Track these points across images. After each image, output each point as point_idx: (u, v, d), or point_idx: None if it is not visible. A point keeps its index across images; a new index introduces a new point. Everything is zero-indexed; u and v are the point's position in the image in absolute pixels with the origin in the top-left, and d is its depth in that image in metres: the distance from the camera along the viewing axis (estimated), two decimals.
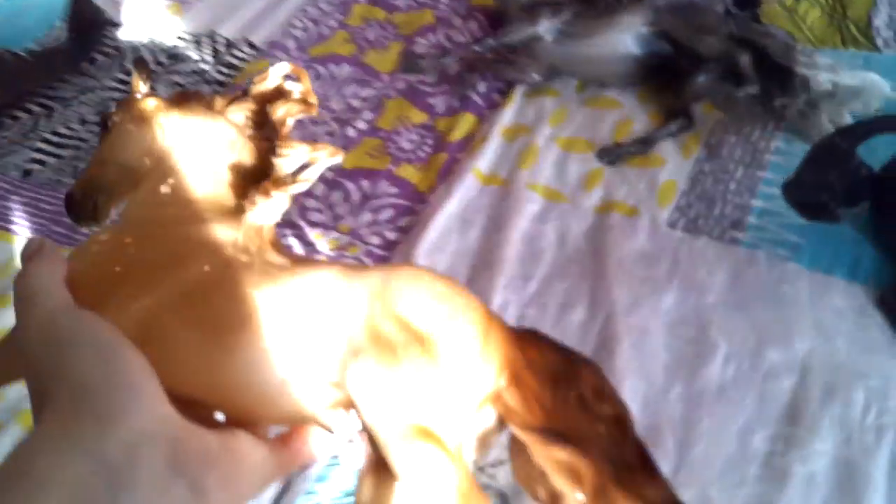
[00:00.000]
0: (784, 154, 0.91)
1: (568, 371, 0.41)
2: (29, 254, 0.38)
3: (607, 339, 0.76)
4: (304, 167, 0.48)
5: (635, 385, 0.72)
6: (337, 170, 1.03)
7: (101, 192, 0.47)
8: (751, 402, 0.71)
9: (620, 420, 0.40)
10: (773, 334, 0.75)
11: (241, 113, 0.49)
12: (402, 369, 0.38)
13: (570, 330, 0.78)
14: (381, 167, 1.02)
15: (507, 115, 1.05)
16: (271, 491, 0.71)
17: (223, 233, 0.43)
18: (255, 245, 0.43)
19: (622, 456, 0.39)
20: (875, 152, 0.80)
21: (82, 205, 0.48)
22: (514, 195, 0.93)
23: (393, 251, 0.90)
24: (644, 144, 0.95)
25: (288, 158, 0.47)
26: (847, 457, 0.65)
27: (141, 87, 0.52)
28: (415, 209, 0.95)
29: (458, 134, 1.04)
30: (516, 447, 0.42)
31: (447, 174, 0.99)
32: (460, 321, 0.40)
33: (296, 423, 0.40)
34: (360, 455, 0.40)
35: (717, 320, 0.77)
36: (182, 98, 0.50)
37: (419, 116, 1.10)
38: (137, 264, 0.41)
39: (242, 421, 0.38)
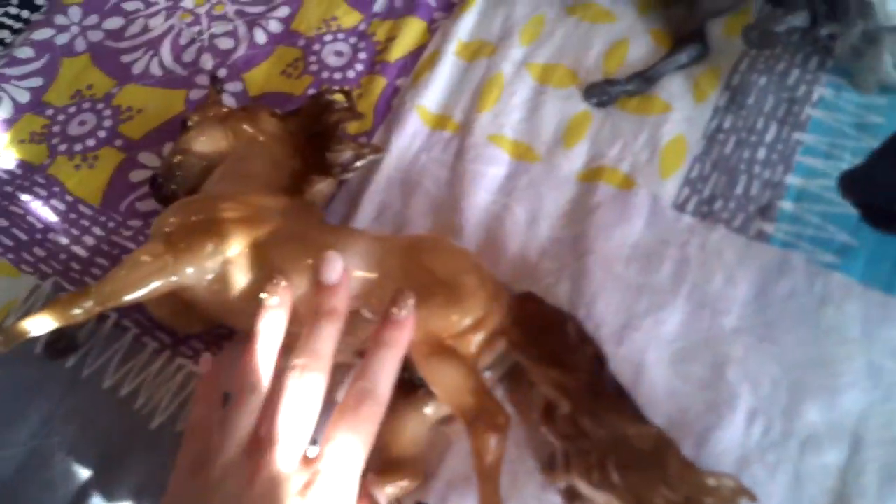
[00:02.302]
0: (830, 108, 0.68)
1: (557, 319, 0.53)
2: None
3: None
4: (353, 160, 0.66)
5: None
6: (241, 95, 0.78)
7: (180, 175, 0.65)
8: (783, 483, 0.52)
9: (599, 357, 0.51)
10: (813, 383, 0.55)
11: (294, 123, 0.67)
12: (431, 303, 0.51)
13: None
14: (297, 91, 0.77)
15: (466, 24, 0.79)
16: None
17: (286, 204, 0.59)
18: (310, 216, 0.60)
19: (602, 382, 0.50)
20: None
21: (165, 185, 0.65)
22: (472, 150, 0.69)
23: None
24: (645, 80, 0.71)
25: (338, 154, 0.64)
26: None
27: (215, 97, 0.69)
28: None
29: (400, 49, 0.79)
30: (511, 380, 0.56)
31: (386, 110, 0.75)
32: (475, 274, 0.54)
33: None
34: None
35: (737, 355, 0.57)
36: (247, 107, 0.68)
37: (351, 17, 0.83)
38: (219, 221, 0.56)
39: None
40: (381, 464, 0.54)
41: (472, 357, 0.53)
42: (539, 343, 0.53)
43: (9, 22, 0.89)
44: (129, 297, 0.56)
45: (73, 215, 0.72)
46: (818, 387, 0.55)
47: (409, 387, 0.56)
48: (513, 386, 0.57)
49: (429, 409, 0.56)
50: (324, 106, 0.67)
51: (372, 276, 0.55)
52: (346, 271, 0.52)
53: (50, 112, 0.81)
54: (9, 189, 0.75)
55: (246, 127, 0.66)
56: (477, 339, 0.53)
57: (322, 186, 0.64)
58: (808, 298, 0.58)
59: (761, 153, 0.66)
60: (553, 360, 0.52)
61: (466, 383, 0.51)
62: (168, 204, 0.62)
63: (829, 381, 0.55)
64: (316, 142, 0.66)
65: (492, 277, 0.57)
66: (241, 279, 0.56)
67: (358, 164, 0.67)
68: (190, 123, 0.67)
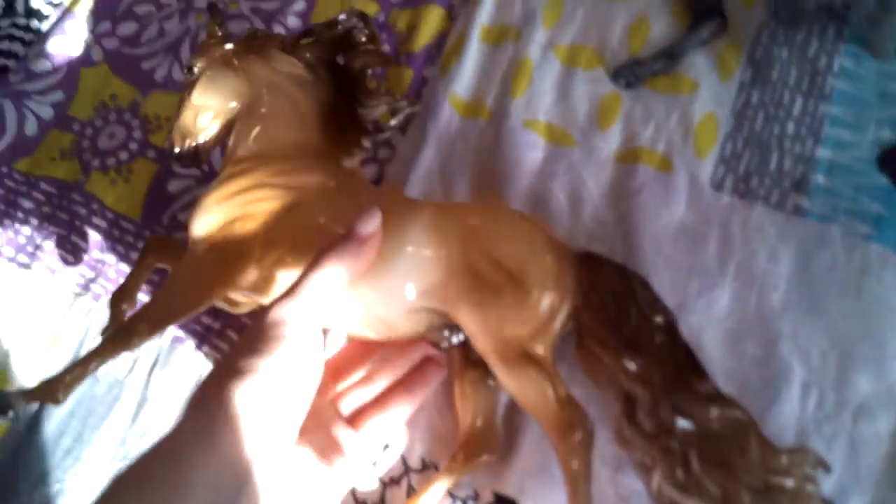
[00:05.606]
0: (851, 78, 0.70)
1: (625, 287, 0.52)
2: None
3: None
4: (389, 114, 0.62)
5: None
6: None
7: (197, 137, 0.58)
8: (840, 453, 0.56)
9: (671, 328, 0.50)
10: (860, 352, 0.59)
11: (310, 53, 0.58)
12: (502, 304, 0.49)
13: None
14: None
15: (486, 8, 0.79)
16: None
17: (322, 178, 0.54)
18: (352, 186, 0.56)
19: (676, 358, 0.49)
20: None
21: (184, 153, 0.59)
22: (507, 136, 0.71)
23: None
24: (670, 58, 0.72)
25: (372, 109, 0.59)
26: None
27: (216, 31, 0.59)
28: (376, 156, 0.71)
29: (423, 37, 0.78)
30: (585, 355, 0.53)
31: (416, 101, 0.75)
32: (541, 257, 0.51)
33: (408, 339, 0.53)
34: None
35: (787, 331, 0.60)
36: (254, 40, 0.59)
37: (370, 7, 0.82)
38: (258, 215, 0.52)
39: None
40: (462, 439, 0.54)
41: (551, 358, 0.51)
42: (610, 321, 0.51)
43: (19, 34, 0.85)
44: (181, 320, 0.55)
45: (116, 231, 0.72)
46: (866, 357, 0.58)
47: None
48: (578, 341, 0.54)
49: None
50: (343, 39, 0.59)
51: (435, 277, 0.51)
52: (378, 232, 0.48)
53: (76, 126, 0.79)
54: (47, 210, 0.74)
55: (259, 68, 0.57)
56: (555, 326, 0.51)
57: (362, 151, 0.60)
58: (849, 270, 0.61)
59: (790, 127, 0.68)
60: (627, 343, 0.50)
61: (550, 393, 0.49)
62: (198, 162, 0.59)
63: (876, 350, 0.58)
64: (345, 96, 0.59)
65: (552, 244, 0.54)
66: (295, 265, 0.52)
67: (393, 121, 0.63)
68: (196, 70, 0.58)
